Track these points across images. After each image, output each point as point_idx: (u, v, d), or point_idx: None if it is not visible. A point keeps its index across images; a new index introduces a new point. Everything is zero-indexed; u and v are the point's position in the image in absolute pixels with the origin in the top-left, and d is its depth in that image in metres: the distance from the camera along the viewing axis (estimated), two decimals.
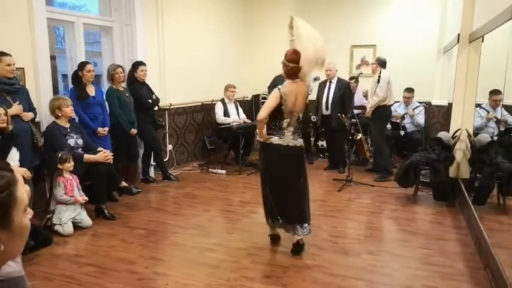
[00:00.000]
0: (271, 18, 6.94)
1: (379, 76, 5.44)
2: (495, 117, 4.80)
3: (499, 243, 2.98)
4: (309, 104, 5.94)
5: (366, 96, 6.01)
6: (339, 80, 5.73)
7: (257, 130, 3.23)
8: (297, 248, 3.10)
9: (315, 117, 6.11)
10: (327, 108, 5.72)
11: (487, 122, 4.82)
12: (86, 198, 3.65)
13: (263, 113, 3.00)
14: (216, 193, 4.79)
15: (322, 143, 6.62)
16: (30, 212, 0.85)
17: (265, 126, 3.10)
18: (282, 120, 3.03)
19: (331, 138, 5.89)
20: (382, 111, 5.36)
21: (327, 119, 5.71)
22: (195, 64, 5.94)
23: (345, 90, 5.62)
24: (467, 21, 4.27)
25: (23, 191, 0.84)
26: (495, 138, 4.58)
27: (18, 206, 0.81)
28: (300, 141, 3.10)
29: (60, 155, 3.52)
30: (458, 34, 4.40)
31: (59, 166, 3.52)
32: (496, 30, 3.29)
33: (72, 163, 3.57)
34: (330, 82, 5.74)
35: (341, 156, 5.80)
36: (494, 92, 4.76)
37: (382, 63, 5.38)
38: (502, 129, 4.63)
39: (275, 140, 3.04)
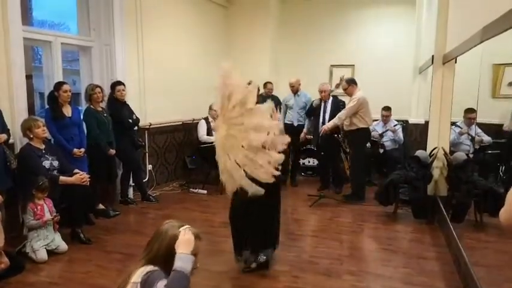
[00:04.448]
0: (252, 37, 7.04)
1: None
2: (468, 134, 4.94)
3: (477, 262, 3.02)
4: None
5: None
6: (334, 100, 5.65)
7: None
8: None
9: (311, 136, 5.97)
10: None
11: (459, 136, 4.96)
12: (58, 217, 3.50)
13: None
14: (197, 214, 4.72)
15: (304, 161, 6.65)
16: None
17: None
18: None
19: (328, 158, 5.74)
20: (361, 133, 5.17)
21: (326, 138, 5.48)
22: (175, 83, 5.93)
23: (341, 109, 5.48)
24: (440, 43, 4.41)
25: None
26: (471, 155, 4.70)
27: None
28: None
29: (41, 183, 3.40)
30: (433, 55, 4.53)
31: (33, 192, 3.40)
32: (468, 52, 3.41)
33: (46, 194, 3.46)
34: (325, 102, 5.62)
35: (339, 177, 5.73)
36: (470, 111, 4.91)
37: (355, 82, 5.19)
38: (477, 147, 4.76)
39: None
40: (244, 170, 2.69)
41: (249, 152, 2.67)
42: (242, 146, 2.68)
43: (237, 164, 2.69)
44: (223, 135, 2.75)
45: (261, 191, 2.68)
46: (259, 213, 3.05)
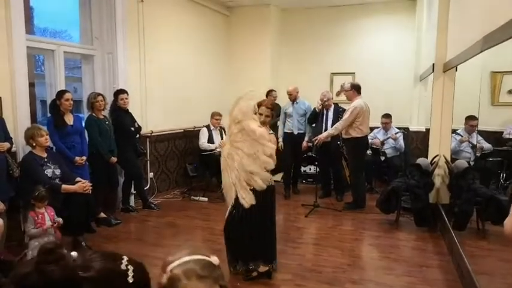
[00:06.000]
0: (253, 45, 7.08)
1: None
2: (469, 141, 4.94)
3: (480, 270, 3.01)
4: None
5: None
6: (336, 107, 5.67)
7: None
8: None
9: (311, 144, 5.86)
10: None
11: (460, 144, 4.95)
12: (60, 221, 3.47)
13: None
14: (198, 222, 4.71)
15: (305, 169, 6.64)
16: None
17: None
18: None
19: (327, 165, 5.74)
20: (356, 142, 5.14)
21: (326, 146, 5.41)
22: (176, 91, 5.95)
23: (340, 116, 5.41)
24: (441, 51, 4.44)
25: None
26: (472, 163, 4.69)
27: None
28: None
29: (37, 193, 3.38)
30: (433, 64, 4.55)
31: (32, 201, 3.39)
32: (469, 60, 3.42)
33: (45, 203, 3.44)
34: (328, 110, 5.64)
35: (340, 184, 5.73)
36: (471, 118, 4.91)
37: (358, 89, 5.19)
38: (478, 154, 4.75)
39: None
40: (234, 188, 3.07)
41: (239, 173, 3.02)
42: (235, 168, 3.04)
43: (232, 182, 3.07)
44: (226, 154, 3.12)
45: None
46: (252, 226, 3.10)
